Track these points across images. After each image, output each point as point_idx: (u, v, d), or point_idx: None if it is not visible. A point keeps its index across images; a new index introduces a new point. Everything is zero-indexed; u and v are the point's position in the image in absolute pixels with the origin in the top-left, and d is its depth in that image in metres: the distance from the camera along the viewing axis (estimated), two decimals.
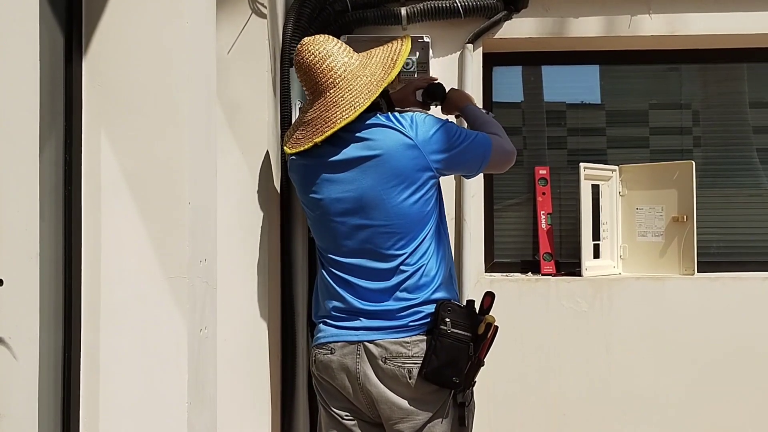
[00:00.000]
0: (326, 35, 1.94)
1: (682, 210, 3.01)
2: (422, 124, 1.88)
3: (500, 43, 3.01)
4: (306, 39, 1.93)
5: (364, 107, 1.82)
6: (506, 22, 2.92)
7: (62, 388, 1.65)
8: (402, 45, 1.92)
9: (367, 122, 1.88)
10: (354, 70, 1.87)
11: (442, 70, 2.90)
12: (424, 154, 1.86)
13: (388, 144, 1.85)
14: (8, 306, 1.38)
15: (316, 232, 2.03)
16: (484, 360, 1.90)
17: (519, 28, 2.95)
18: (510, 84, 3.29)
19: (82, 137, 1.68)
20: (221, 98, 2.34)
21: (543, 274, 3.06)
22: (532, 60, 3.24)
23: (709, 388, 2.91)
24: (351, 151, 1.89)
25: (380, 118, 1.90)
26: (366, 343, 1.87)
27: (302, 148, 1.92)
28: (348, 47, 1.93)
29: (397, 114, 1.92)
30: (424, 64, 2.76)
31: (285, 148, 2.03)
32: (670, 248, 3.02)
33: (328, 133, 1.85)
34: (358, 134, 1.88)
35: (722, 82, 3.30)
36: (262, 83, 2.48)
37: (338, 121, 1.83)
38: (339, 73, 1.86)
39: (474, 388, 1.95)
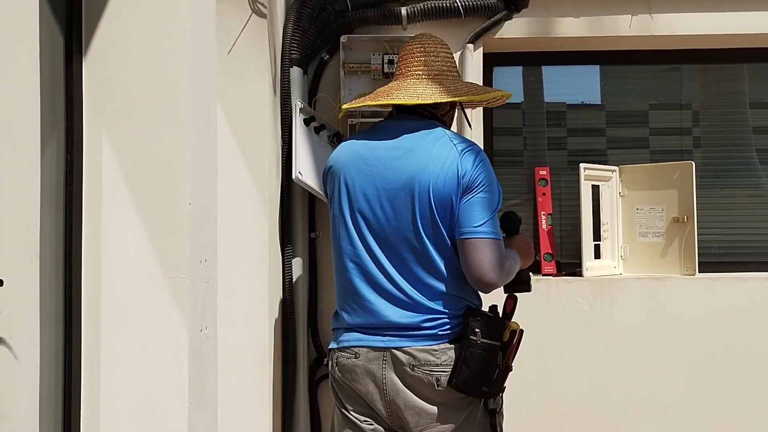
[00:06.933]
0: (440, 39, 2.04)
1: (682, 210, 3.00)
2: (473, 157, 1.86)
3: (501, 43, 3.00)
4: (420, 37, 2.03)
5: (441, 100, 1.91)
6: (506, 22, 2.92)
7: (62, 388, 1.65)
8: (502, 93, 2.04)
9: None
10: (439, 72, 1.97)
11: None
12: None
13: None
14: (8, 306, 1.38)
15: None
16: (512, 365, 1.89)
17: (519, 28, 2.95)
18: (510, 84, 3.29)
19: (82, 137, 1.68)
20: (221, 98, 2.34)
21: (544, 275, 3.06)
22: (532, 60, 3.23)
23: (710, 388, 2.91)
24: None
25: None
26: (393, 350, 1.82)
27: (380, 101, 1.96)
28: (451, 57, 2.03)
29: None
30: None
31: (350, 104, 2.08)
32: (671, 248, 3.02)
33: (404, 101, 1.90)
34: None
35: (722, 82, 3.30)
36: (262, 83, 2.48)
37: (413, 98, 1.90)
38: (428, 69, 1.96)
39: (504, 394, 1.92)
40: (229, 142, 2.43)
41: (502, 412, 1.93)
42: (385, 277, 1.85)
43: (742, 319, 2.91)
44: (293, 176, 2.48)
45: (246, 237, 2.45)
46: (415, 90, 1.92)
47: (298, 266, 2.67)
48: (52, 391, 1.61)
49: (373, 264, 1.86)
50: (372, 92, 2.07)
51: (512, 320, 1.89)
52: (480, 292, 1.92)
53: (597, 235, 3.06)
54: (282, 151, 2.64)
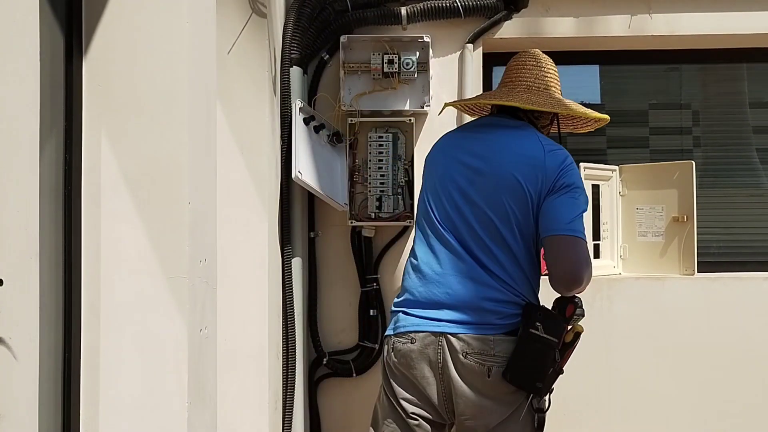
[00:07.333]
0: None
1: (682, 210, 3.00)
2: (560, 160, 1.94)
3: (500, 43, 3.00)
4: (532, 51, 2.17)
5: (540, 108, 2.01)
6: (506, 22, 2.92)
7: (62, 388, 1.65)
8: (598, 117, 2.17)
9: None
10: (547, 86, 2.08)
11: (442, 69, 2.90)
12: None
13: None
14: (8, 306, 1.38)
15: None
16: (564, 369, 1.91)
17: (519, 28, 2.95)
18: None
19: (82, 137, 1.68)
20: (221, 98, 2.34)
21: (543, 274, 3.05)
22: None
23: (710, 388, 2.91)
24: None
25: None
26: (449, 336, 1.86)
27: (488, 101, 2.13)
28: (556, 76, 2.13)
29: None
30: (424, 64, 2.76)
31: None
32: (671, 248, 3.02)
33: (500, 102, 2.03)
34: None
35: (722, 82, 3.30)
36: (262, 83, 2.48)
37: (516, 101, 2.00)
38: (537, 82, 2.08)
39: (551, 395, 1.94)
40: (229, 142, 2.42)
41: (545, 415, 1.94)
42: (450, 253, 1.91)
43: (741, 318, 2.91)
44: (293, 176, 2.48)
45: (246, 237, 2.45)
46: (528, 97, 2.02)
47: (297, 266, 2.67)
48: (52, 391, 1.61)
49: (438, 241, 1.94)
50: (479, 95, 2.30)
51: (578, 324, 1.92)
52: (556, 294, 1.96)
53: (596, 235, 3.06)
54: (281, 151, 2.64)
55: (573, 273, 1.86)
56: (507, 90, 2.09)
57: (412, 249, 2.03)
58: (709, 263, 3.08)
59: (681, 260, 2.99)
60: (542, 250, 1.97)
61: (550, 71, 2.11)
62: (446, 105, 2.32)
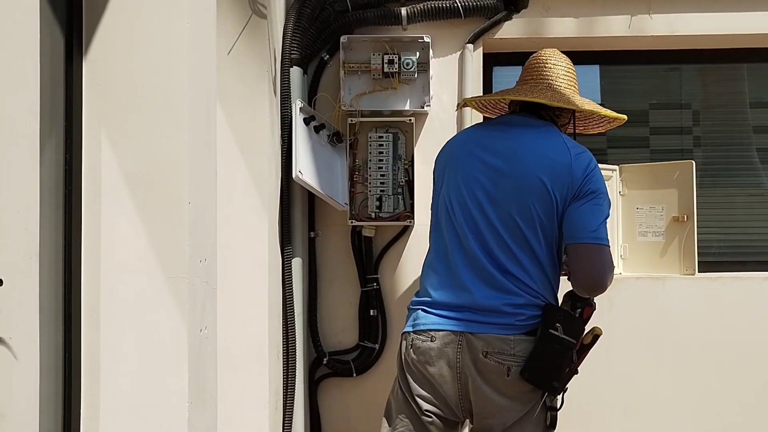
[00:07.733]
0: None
1: (682, 210, 3.00)
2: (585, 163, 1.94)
3: (500, 43, 3.00)
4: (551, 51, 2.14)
5: (558, 105, 1.99)
6: (506, 23, 2.92)
7: (62, 388, 1.65)
8: (615, 117, 2.16)
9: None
10: (568, 85, 2.07)
11: (442, 70, 2.90)
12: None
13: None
14: (8, 306, 1.38)
15: None
16: (578, 370, 1.92)
17: (519, 29, 2.95)
18: (510, 84, 3.27)
19: (82, 137, 1.68)
20: (221, 98, 2.34)
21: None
22: None
23: (710, 388, 2.91)
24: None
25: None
26: (469, 335, 1.87)
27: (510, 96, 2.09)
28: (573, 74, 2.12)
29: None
30: (424, 64, 2.76)
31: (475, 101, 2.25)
32: (671, 248, 3.02)
33: (521, 98, 2.02)
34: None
35: (722, 82, 3.30)
36: (262, 83, 2.48)
37: (538, 96, 1.98)
38: (558, 80, 2.06)
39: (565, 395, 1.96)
40: (229, 142, 2.43)
41: (557, 413, 1.95)
42: (471, 256, 1.91)
43: (741, 318, 2.91)
44: (293, 175, 2.49)
45: (246, 237, 2.45)
46: (552, 95, 2.00)
47: (297, 266, 2.67)
48: (52, 391, 1.61)
49: (459, 242, 1.93)
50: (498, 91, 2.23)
51: (594, 325, 1.93)
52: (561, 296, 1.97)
53: None
54: (282, 151, 2.64)
55: (598, 280, 1.90)
56: (529, 87, 2.07)
57: (431, 248, 2.02)
58: (709, 263, 3.07)
59: (681, 260, 2.98)
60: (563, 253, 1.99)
61: (570, 70, 2.10)
62: (464, 101, 2.27)
